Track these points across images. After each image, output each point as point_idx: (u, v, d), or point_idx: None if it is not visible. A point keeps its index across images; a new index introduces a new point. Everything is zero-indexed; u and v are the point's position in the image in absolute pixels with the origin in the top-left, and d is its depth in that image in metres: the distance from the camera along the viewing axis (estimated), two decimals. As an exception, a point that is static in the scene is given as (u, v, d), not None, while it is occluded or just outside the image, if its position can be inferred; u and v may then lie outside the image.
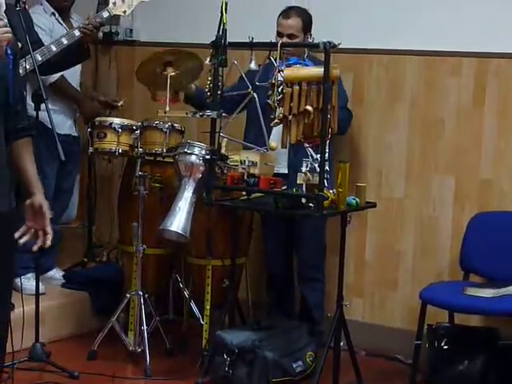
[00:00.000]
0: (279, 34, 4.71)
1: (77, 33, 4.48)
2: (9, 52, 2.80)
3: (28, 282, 4.76)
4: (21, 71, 4.19)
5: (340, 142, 4.92)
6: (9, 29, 2.78)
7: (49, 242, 3.08)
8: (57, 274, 5.34)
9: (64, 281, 5.32)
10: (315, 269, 5.01)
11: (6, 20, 2.82)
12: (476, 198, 4.84)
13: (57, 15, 5.09)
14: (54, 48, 4.44)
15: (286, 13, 4.75)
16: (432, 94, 4.93)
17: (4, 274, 3.05)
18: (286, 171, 4.71)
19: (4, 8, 4.33)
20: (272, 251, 5.13)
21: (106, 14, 4.52)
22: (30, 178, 3.07)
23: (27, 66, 4.19)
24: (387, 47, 4.99)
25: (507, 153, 4.75)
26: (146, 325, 4.62)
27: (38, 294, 4.49)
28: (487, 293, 4.32)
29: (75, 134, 5.26)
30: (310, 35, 4.76)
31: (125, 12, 4.57)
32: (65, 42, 4.47)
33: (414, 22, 4.91)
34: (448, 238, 4.91)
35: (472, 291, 4.36)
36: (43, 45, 4.53)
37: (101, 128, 4.70)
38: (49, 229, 3.07)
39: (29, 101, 3.98)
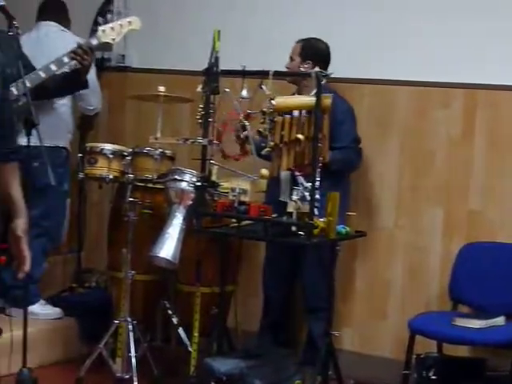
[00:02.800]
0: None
1: (66, 59, 4.44)
2: None
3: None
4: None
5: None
6: None
7: (27, 268, 3.08)
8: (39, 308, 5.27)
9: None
10: (319, 298, 4.94)
11: None
12: (465, 228, 4.85)
13: None
14: (42, 74, 4.41)
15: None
16: (422, 125, 4.96)
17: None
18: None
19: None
20: (270, 278, 5.12)
21: (94, 42, 4.50)
22: (15, 202, 3.08)
23: (15, 92, 4.18)
24: (379, 77, 5.02)
25: (496, 184, 4.78)
26: (134, 351, 4.60)
27: (25, 319, 4.44)
28: (475, 323, 4.33)
29: None
30: (311, 64, 4.77)
31: (114, 39, 4.55)
32: (53, 68, 4.42)
33: (405, 52, 4.95)
34: (437, 268, 4.92)
35: (460, 322, 4.36)
36: (34, 69, 4.50)
37: (92, 154, 4.70)
38: (26, 252, 3.07)
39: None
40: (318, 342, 4.89)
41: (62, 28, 5.41)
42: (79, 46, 4.42)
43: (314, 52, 4.89)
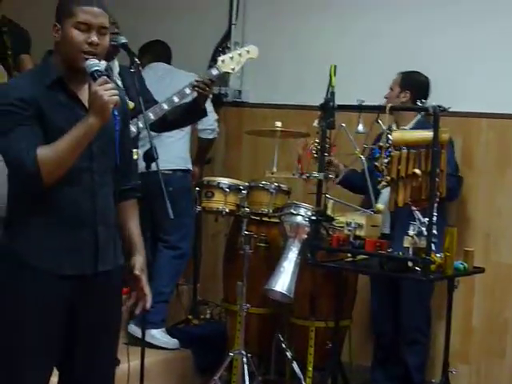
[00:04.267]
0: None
1: (187, 90, 4.47)
2: (116, 113, 2.85)
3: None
4: (134, 129, 4.31)
5: (448, 205, 4.87)
6: (116, 91, 2.83)
7: (148, 305, 3.12)
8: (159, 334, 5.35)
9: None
10: (418, 331, 4.94)
11: (116, 83, 2.87)
12: None
13: None
14: (165, 106, 4.49)
15: None
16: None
17: (110, 329, 3.09)
18: (388, 231, 4.71)
19: (118, 70, 4.51)
20: (378, 313, 5.11)
21: (214, 72, 4.52)
22: (133, 239, 3.12)
23: (140, 125, 4.29)
24: (497, 111, 4.94)
25: None
26: (249, 384, 4.62)
27: (143, 350, 4.51)
28: None
29: None
30: (409, 94, 4.87)
31: (233, 69, 4.58)
32: (176, 100, 4.47)
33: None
34: (559, 306, 4.79)
35: None
36: (157, 103, 4.59)
37: (209, 187, 4.78)
38: (146, 290, 3.11)
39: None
40: (414, 375, 4.84)
41: (172, 67, 5.56)
42: (200, 78, 4.48)
43: (414, 83, 4.95)
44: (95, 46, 2.87)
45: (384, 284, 5.00)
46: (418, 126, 4.73)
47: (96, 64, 2.85)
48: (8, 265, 2.93)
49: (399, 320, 4.99)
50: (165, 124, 4.60)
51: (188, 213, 5.03)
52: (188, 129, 5.42)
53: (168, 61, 5.71)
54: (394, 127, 4.62)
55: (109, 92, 2.79)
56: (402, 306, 4.94)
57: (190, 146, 5.51)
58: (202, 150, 5.81)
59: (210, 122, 5.48)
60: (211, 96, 4.73)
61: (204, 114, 4.71)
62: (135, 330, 4.94)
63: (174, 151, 5.20)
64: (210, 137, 5.67)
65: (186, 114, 4.64)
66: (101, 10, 2.90)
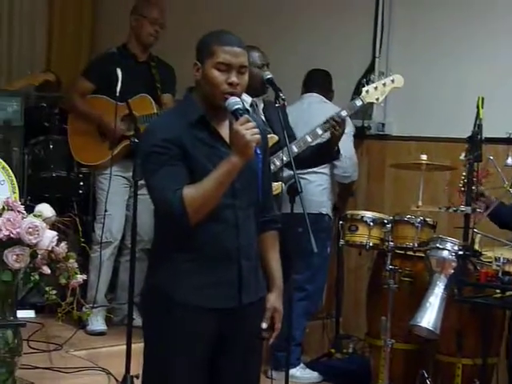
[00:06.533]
0: None
1: (319, 131, 4.48)
2: (258, 151, 2.84)
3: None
4: (278, 163, 4.36)
5: None
6: (258, 130, 2.82)
7: (271, 340, 3.09)
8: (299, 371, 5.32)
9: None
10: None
11: (260, 118, 2.88)
12: None
13: None
14: (309, 139, 4.49)
15: None
16: None
17: (254, 360, 3.10)
18: None
19: (262, 105, 4.56)
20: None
21: (359, 103, 4.51)
22: (272, 273, 3.12)
23: (284, 158, 4.31)
24: None
25: None
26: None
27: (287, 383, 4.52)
28: None
29: None
30: None
31: (378, 99, 4.55)
32: (309, 139, 4.47)
33: None
34: None
35: None
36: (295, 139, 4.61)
37: (352, 221, 4.78)
38: (277, 326, 3.09)
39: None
40: None
41: (324, 100, 5.56)
42: (331, 118, 4.46)
43: None
44: (235, 86, 2.90)
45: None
46: None
47: (237, 102, 2.87)
48: (154, 300, 2.99)
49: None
50: (299, 162, 4.60)
51: (318, 254, 4.96)
52: (326, 170, 5.39)
53: (322, 91, 5.65)
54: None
55: (250, 131, 2.80)
56: None
57: (329, 188, 5.48)
58: (341, 190, 5.81)
59: (346, 170, 5.44)
60: (350, 136, 4.71)
61: (336, 155, 4.68)
62: (273, 373, 4.89)
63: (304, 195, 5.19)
64: (345, 182, 5.66)
65: (317, 154, 4.63)
66: (241, 49, 2.92)
